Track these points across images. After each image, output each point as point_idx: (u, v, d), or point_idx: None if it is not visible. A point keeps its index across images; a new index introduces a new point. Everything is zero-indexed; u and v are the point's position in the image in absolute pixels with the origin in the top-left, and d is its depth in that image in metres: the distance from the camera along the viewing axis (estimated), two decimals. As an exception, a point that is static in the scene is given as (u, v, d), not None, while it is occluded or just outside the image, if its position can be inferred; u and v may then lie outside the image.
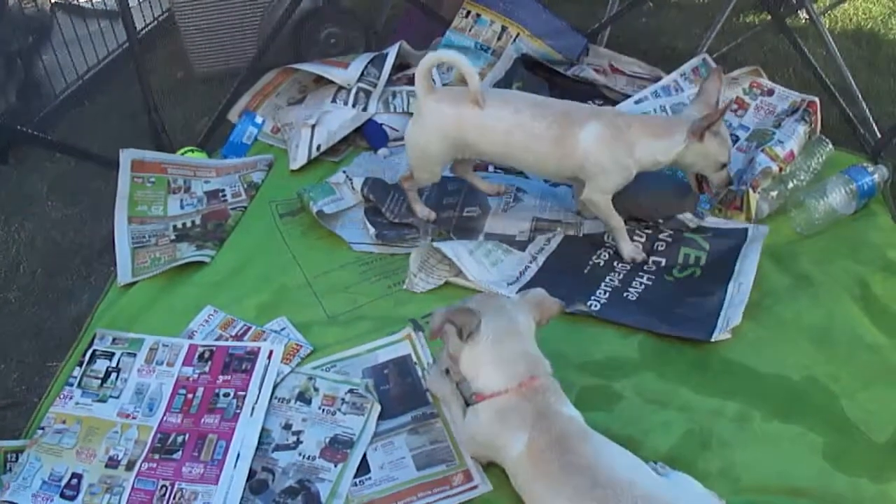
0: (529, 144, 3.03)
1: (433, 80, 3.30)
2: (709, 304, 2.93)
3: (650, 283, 3.05)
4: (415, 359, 2.75)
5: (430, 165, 3.19)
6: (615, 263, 3.14)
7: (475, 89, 2.98)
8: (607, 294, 2.99)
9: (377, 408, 2.56)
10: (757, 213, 3.30)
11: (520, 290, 2.97)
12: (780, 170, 3.34)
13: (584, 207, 3.26)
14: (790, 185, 3.35)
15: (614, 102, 3.86)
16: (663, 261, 3.14)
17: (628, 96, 3.83)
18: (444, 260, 3.07)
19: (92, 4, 4.96)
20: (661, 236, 3.23)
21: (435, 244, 3.08)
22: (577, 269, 3.12)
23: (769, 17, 4.11)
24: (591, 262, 3.14)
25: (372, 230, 3.27)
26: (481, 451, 2.34)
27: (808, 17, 4.29)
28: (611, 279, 3.06)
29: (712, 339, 2.78)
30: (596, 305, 2.94)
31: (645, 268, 3.12)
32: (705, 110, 2.99)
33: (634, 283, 3.04)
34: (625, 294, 3.00)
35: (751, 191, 3.25)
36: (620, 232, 3.13)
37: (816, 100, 3.61)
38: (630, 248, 3.14)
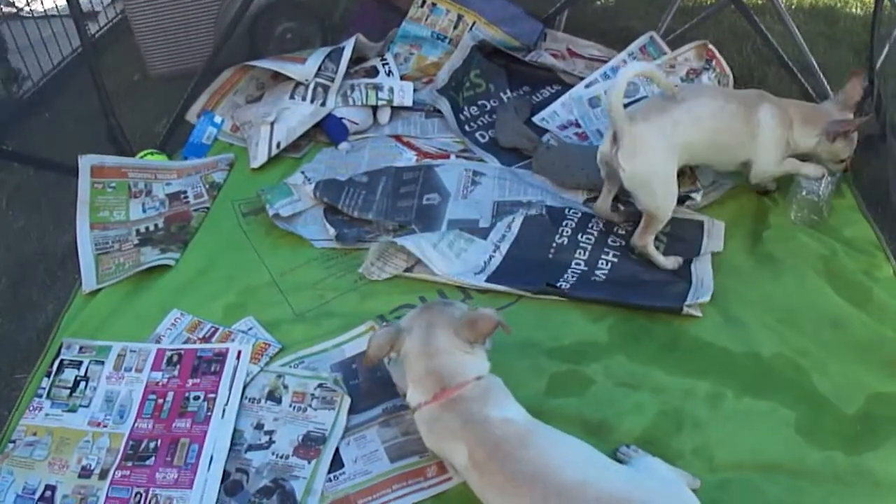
0: (732, 125, 3.05)
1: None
2: (676, 279, 2.96)
3: (616, 260, 3.06)
4: (382, 352, 2.74)
5: (671, 187, 3.00)
6: (579, 236, 3.14)
7: (669, 84, 2.99)
8: (575, 277, 3.01)
9: (347, 400, 2.56)
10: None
11: (487, 279, 3.00)
12: None
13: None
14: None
15: (572, 87, 3.87)
16: (623, 241, 3.14)
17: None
18: (403, 249, 3.07)
19: (44, 10, 4.91)
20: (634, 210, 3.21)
21: (399, 241, 3.07)
22: (542, 254, 3.11)
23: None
24: (554, 244, 3.13)
25: (332, 231, 3.26)
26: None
27: (763, -8, 4.32)
28: (577, 262, 3.06)
29: (683, 311, 2.81)
30: (565, 285, 2.95)
31: (610, 241, 3.12)
32: (845, 110, 3.11)
33: (601, 262, 3.05)
34: (592, 278, 3.01)
35: None
36: (805, 167, 3.18)
37: (710, 46, 3.72)
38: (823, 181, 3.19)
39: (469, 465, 2.12)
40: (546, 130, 3.74)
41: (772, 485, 2.32)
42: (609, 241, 3.13)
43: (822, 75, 3.85)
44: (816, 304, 2.88)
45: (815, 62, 3.87)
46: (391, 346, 2.32)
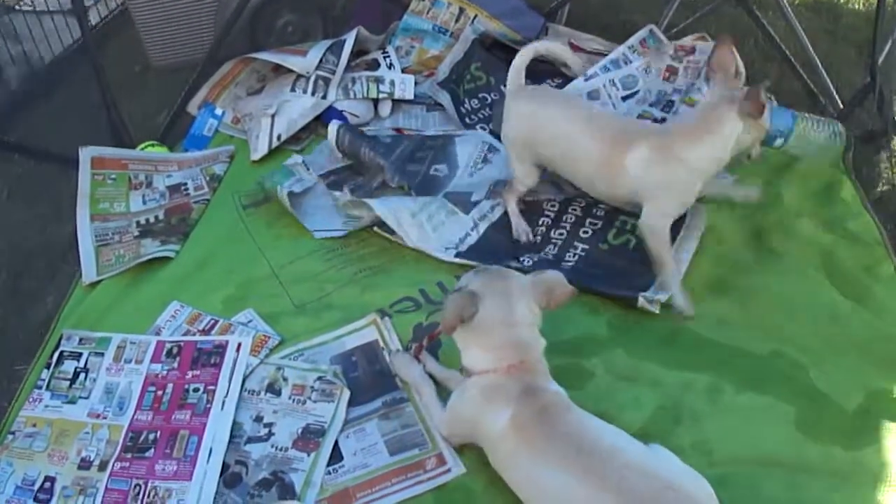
0: (588, 156, 2.92)
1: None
2: (644, 270, 2.95)
3: (584, 253, 3.07)
4: (382, 344, 2.75)
5: (521, 164, 3.12)
6: (551, 233, 3.16)
7: (576, 61, 3.08)
8: (540, 258, 3.04)
9: (346, 393, 2.56)
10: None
11: (457, 254, 3.03)
12: None
13: None
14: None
15: (573, 80, 3.86)
16: (600, 223, 3.15)
17: (588, 74, 3.84)
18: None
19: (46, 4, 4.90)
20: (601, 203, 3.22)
21: (377, 208, 3.11)
22: (515, 240, 3.15)
23: (728, -10, 4.13)
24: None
25: (337, 195, 3.32)
26: (462, 429, 2.36)
27: (766, -13, 4.31)
28: (547, 252, 3.09)
29: (639, 304, 2.80)
30: (529, 261, 3.00)
31: (581, 234, 3.13)
32: (731, 84, 2.82)
33: (569, 254, 3.07)
34: (560, 266, 3.01)
35: None
36: (672, 275, 2.87)
37: (703, 35, 3.74)
38: (682, 300, 2.84)
39: (508, 426, 2.16)
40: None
41: (771, 479, 2.33)
42: (581, 233, 3.14)
43: (824, 72, 3.84)
44: (816, 299, 2.89)
45: (817, 58, 3.86)
46: (469, 312, 2.27)
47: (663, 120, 3.59)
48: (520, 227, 3.15)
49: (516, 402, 2.18)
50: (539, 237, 3.15)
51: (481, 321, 2.27)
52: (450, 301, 2.31)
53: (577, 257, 3.06)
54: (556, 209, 3.24)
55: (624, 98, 3.73)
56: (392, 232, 3.12)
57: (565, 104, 3.05)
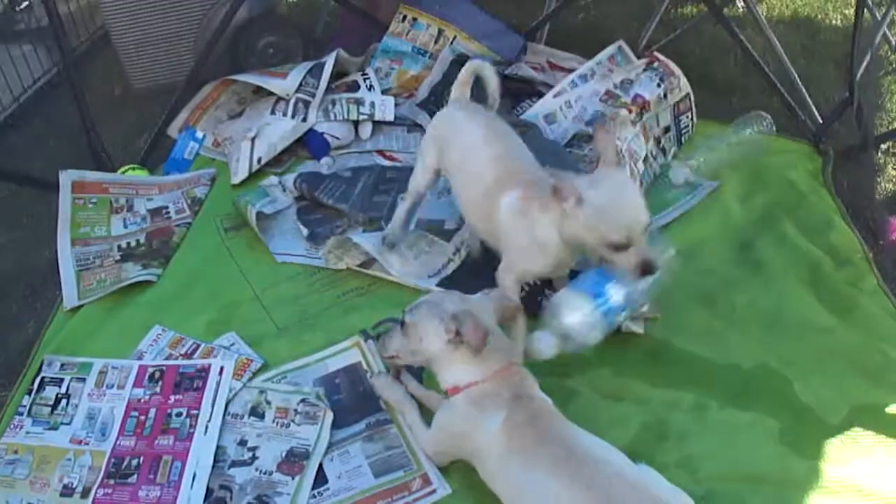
0: (476, 189, 2.77)
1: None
2: None
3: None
4: (365, 366, 2.75)
5: (423, 160, 3.05)
6: None
7: (494, 89, 2.98)
8: (524, 292, 2.95)
9: (330, 415, 2.55)
10: (674, 180, 3.44)
11: (439, 283, 3.03)
12: (630, 111, 3.42)
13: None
14: (714, 155, 3.44)
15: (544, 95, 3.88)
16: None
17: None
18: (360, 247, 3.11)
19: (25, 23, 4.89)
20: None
21: (357, 240, 3.10)
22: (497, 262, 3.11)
23: (707, 8, 4.14)
24: None
25: (305, 231, 3.30)
26: (449, 445, 2.36)
27: (744, 5, 4.33)
28: None
29: (622, 329, 2.75)
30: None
31: None
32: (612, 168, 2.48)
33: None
34: (539, 298, 2.94)
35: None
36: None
37: (655, 52, 3.72)
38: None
39: (499, 431, 2.16)
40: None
41: (756, 496, 2.33)
42: None
43: (802, 87, 3.86)
44: (802, 313, 2.91)
45: (795, 74, 3.89)
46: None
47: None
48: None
49: (508, 407, 2.19)
50: None
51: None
52: (426, 329, 2.31)
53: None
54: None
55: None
56: (370, 266, 3.12)
57: (489, 126, 2.85)
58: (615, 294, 2.37)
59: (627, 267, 2.32)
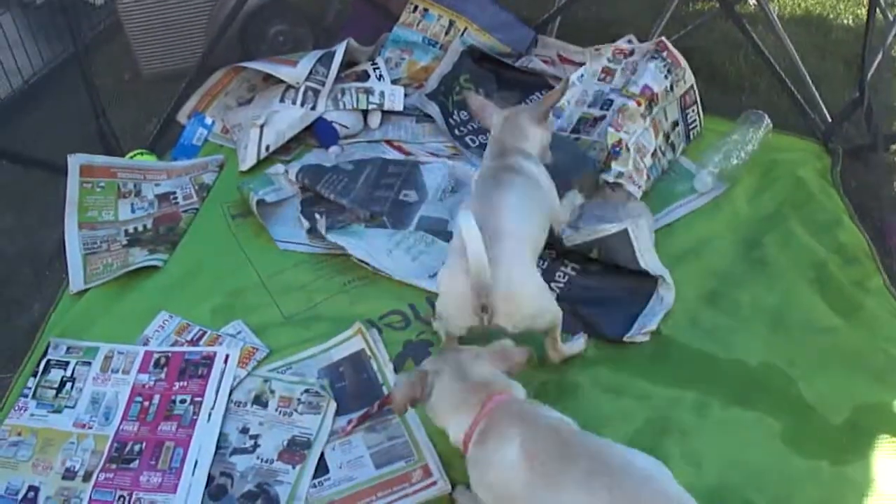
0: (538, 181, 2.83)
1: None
2: (633, 298, 2.94)
3: (574, 273, 3.06)
4: (368, 353, 2.76)
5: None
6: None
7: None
8: None
9: (333, 405, 2.56)
10: (699, 188, 3.42)
11: None
12: (639, 104, 3.38)
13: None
14: (733, 161, 3.41)
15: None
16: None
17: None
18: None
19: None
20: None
21: (350, 250, 3.10)
22: None
23: (718, 4, 4.12)
24: None
25: (306, 224, 3.28)
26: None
27: (756, 2, 4.31)
28: None
29: (625, 339, 2.78)
30: None
31: (572, 256, 3.11)
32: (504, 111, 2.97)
33: (558, 275, 3.06)
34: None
35: (611, 129, 3.30)
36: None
37: (663, 39, 3.67)
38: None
39: (518, 455, 1.97)
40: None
41: (759, 494, 2.33)
42: (571, 255, 3.12)
43: (812, 86, 3.85)
44: (807, 312, 2.90)
45: (806, 72, 3.87)
46: (419, 390, 2.19)
47: (602, 118, 3.59)
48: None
49: (521, 429, 2.02)
50: None
51: (439, 392, 2.18)
52: (396, 385, 2.26)
53: (566, 277, 3.04)
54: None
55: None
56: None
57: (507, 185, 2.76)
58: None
59: None
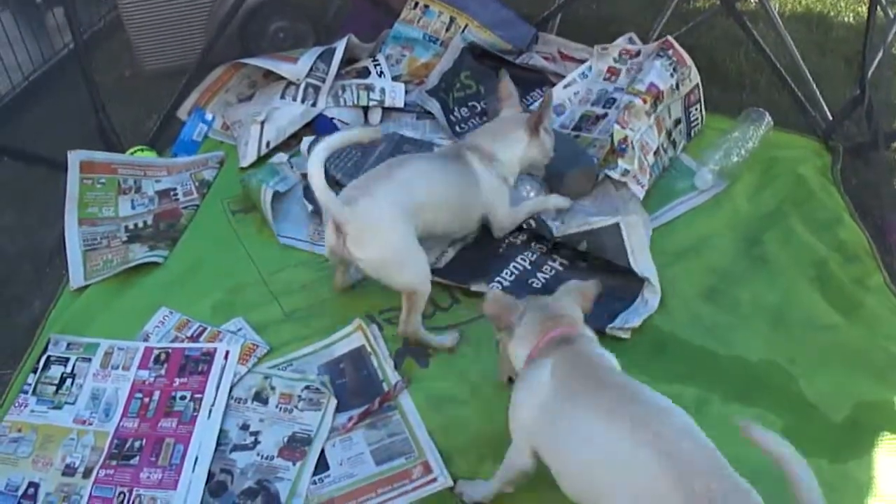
0: (458, 181, 2.97)
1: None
2: (620, 296, 2.93)
3: (561, 269, 3.06)
4: (369, 349, 2.76)
5: (420, 255, 2.84)
6: (532, 243, 3.16)
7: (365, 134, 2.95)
8: (514, 276, 3.02)
9: (333, 402, 2.57)
10: (700, 186, 3.42)
11: (433, 271, 2.95)
12: (645, 101, 3.38)
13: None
14: (733, 158, 3.41)
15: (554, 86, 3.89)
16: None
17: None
18: None
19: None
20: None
21: None
22: (492, 247, 3.15)
23: (719, 2, 4.12)
24: (506, 241, 3.18)
25: (310, 207, 3.28)
26: (521, 436, 2.17)
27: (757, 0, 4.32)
28: (522, 260, 3.09)
29: (607, 332, 2.77)
30: (498, 287, 2.96)
31: (562, 251, 3.12)
32: (516, 109, 3.18)
33: (545, 268, 3.06)
34: (530, 280, 3.01)
35: (617, 126, 3.30)
36: (552, 199, 3.22)
37: (669, 37, 3.67)
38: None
39: (549, 379, 2.07)
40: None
41: (758, 492, 2.32)
42: (561, 250, 3.13)
43: (813, 83, 3.85)
44: (807, 310, 2.90)
45: (806, 70, 3.87)
46: (512, 316, 2.25)
47: (604, 116, 3.62)
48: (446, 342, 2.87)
49: (555, 353, 2.11)
50: (520, 241, 3.17)
51: (526, 321, 2.23)
52: (492, 299, 2.29)
53: (552, 272, 3.05)
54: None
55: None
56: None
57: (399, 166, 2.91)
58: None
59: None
